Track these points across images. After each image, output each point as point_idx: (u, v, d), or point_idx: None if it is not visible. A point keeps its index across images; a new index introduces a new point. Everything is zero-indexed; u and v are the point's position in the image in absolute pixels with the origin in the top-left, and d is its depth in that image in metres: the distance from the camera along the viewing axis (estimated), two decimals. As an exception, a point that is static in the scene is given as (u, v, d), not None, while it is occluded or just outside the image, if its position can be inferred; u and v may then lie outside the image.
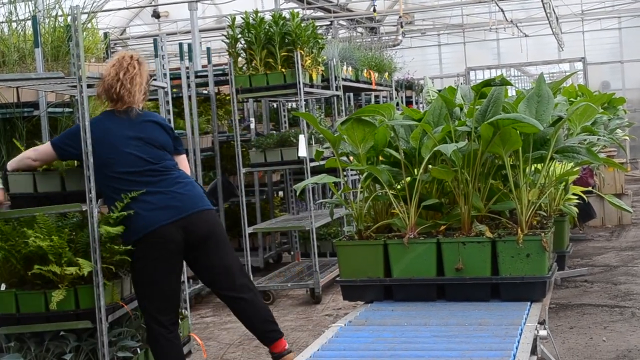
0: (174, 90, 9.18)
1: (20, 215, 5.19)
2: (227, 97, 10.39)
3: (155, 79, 6.52)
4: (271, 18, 8.73)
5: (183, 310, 6.16)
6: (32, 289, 5.10)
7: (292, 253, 10.48)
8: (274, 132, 10.49)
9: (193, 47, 9.95)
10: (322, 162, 7.64)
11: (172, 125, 5.85)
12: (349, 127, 4.12)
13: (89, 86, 5.10)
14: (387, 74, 13.23)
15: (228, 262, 5.07)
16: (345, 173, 9.19)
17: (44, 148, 5.09)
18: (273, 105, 11.78)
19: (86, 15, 6.40)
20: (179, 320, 5.27)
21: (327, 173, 4.51)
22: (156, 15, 20.77)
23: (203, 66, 11.04)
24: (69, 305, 5.04)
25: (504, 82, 4.00)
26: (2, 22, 6.34)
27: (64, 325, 5.08)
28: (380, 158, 4.33)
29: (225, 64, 9.31)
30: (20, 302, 5.07)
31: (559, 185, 4.68)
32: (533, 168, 4.25)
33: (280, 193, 12.13)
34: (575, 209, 4.97)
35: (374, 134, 4.14)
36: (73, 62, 5.05)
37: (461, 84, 6.41)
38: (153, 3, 19.67)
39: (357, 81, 11.26)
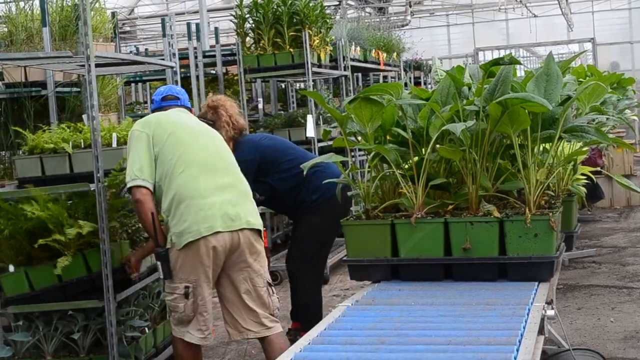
0: (182, 70, 9.16)
1: (27, 194, 5.20)
2: (235, 77, 10.39)
3: (163, 59, 6.52)
4: (279, -3, 8.70)
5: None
6: (40, 264, 5.11)
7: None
8: (282, 112, 10.48)
9: (201, 27, 9.93)
10: (329, 142, 7.63)
11: None
12: (357, 106, 4.10)
13: (96, 65, 5.09)
14: (395, 54, 13.20)
15: None
16: (352, 153, 9.18)
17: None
18: (281, 86, 11.77)
19: (94, -5, 6.39)
20: None
21: (335, 153, 4.49)
22: (164, -5, 20.72)
23: (211, 46, 11.02)
24: (80, 271, 5.04)
25: (513, 61, 3.97)
26: (10, 2, 6.33)
27: (79, 303, 5.08)
28: (388, 137, 4.30)
29: (233, 44, 9.30)
30: (32, 278, 5.07)
31: (567, 165, 4.65)
32: (541, 148, 4.22)
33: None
34: (584, 189, 4.95)
35: (382, 113, 4.12)
36: (81, 41, 5.04)
37: (469, 64, 6.38)
38: (161, -17, 19.63)
39: (366, 61, 11.23)
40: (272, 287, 4.93)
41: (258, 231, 4.85)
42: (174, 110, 5.03)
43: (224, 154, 4.96)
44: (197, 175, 4.70)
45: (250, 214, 4.83)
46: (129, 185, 4.67)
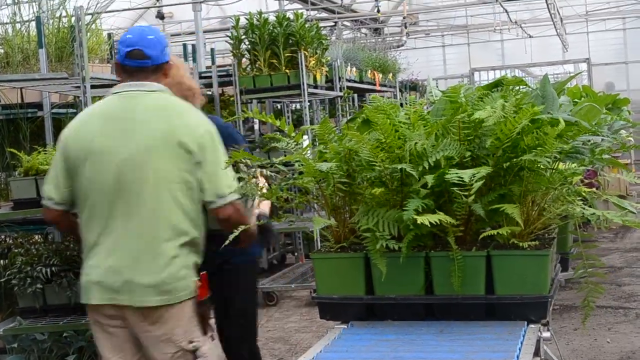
0: (178, 91, 9.17)
1: (25, 216, 5.20)
2: (231, 98, 10.39)
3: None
4: (275, 19, 8.75)
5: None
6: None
7: (296, 254, 10.45)
8: (278, 132, 10.50)
9: (197, 48, 9.96)
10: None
11: None
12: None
13: (92, 87, 5.10)
14: (391, 74, 13.24)
15: None
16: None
17: None
18: (277, 106, 11.79)
19: (90, 16, 6.41)
20: None
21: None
22: (160, 16, 20.78)
23: (207, 67, 11.03)
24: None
25: (518, 82, 3.97)
26: (7, 24, 6.35)
27: (73, 325, 5.08)
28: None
29: (229, 65, 9.32)
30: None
31: (562, 187, 4.65)
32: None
33: (284, 194, 12.11)
34: (580, 210, 4.94)
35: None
36: (77, 62, 5.06)
37: (466, 84, 6.42)
38: (157, 4, 19.66)
39: (361, 82, 11.26)
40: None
41: None
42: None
43: None
44: None
45: None
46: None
